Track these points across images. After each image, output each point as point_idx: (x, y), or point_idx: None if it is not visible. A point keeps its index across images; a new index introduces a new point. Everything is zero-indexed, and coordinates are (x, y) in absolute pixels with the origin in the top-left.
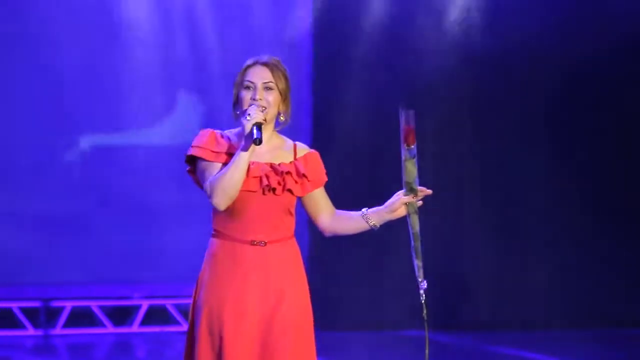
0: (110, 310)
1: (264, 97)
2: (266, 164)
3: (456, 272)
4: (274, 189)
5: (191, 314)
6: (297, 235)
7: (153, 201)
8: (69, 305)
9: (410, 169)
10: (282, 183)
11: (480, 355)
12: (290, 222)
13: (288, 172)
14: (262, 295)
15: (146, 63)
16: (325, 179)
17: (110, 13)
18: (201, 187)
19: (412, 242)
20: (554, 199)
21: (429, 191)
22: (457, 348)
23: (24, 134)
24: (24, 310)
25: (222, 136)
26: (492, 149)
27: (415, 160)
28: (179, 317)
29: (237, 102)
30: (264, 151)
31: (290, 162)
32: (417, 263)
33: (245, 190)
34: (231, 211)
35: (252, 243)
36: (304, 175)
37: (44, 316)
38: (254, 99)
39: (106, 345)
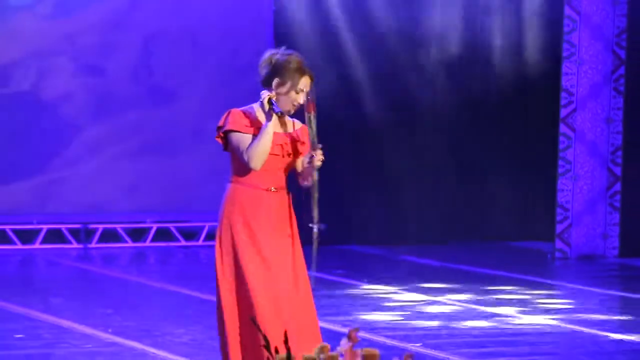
0: (130, 230)
1: (302, 99)
2: (284, 134)
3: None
4: (290, 154)
5: (219, 248)
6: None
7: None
8: (101, 227)
9: (310, 130)
10: (295, 149)
11: (387, 262)
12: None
13: (300, 141)
14: (283, 224)
15: None
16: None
17: None
18: (226, 149)
19: (314, 193)
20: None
21: (319, 146)
22: (371, 256)
23: None
24: (69, 230)
25: (246, 112)
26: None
27: (314, 123)
28: (179, 236)
29: (284, 90)
30: (278, 123)
31: (294, 132)
32: (315, 210)
33: (271, 154)
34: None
35: (269, 190)
36: (304, 142)
37: (84, 234)
38: (300, 104)
39: (127, 255)
